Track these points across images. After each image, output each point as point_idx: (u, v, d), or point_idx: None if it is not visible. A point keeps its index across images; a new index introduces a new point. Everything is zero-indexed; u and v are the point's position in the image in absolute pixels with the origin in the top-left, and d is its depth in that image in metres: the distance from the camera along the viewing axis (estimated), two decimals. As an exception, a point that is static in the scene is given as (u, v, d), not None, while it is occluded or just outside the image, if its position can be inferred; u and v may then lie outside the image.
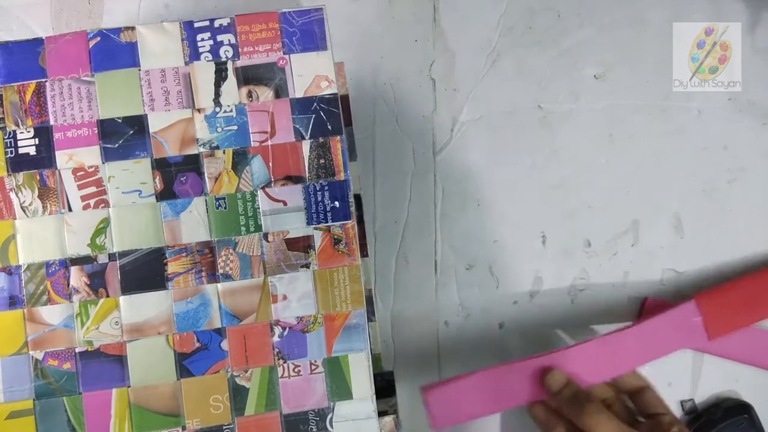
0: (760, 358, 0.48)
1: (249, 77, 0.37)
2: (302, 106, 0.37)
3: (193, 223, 0.37)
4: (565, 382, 0.41)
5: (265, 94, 0.38)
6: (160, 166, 0.37)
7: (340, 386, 0.37)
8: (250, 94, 0.37)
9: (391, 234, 0.48)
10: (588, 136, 0.49)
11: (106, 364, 0.36)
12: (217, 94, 0.37)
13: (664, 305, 0.48)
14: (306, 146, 0.37)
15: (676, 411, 0.49)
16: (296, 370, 0.37)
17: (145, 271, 0.37)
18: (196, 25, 0.38)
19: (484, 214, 0.48)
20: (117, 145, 0.37)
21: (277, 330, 0.37)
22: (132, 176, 0.37)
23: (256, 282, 0.37)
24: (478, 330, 0.48)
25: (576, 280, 0.49)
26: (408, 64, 0.48)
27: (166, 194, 0.37)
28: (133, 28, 0.37)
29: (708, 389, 0.49)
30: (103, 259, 0.37)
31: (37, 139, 0.37)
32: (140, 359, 0.36)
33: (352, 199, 0.37)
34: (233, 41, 0.38)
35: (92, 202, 0.37)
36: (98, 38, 0.37)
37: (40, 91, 0.37)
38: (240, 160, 0.37)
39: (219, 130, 0.37)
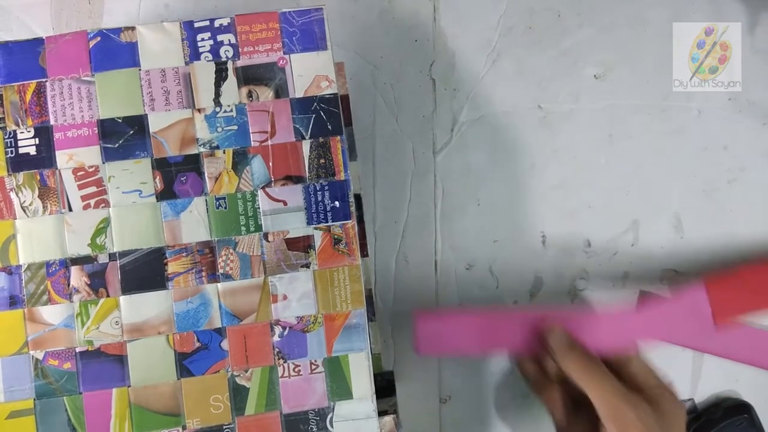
0: (760, 358, 0.48)
1: (249, 77, 0.38)
2: (302, 106, 0.37)
3: (194, 223, 0.37)
4: (567, 341, 0.40)
5: (265, 93, 0.38)
6: (161, 166, 0.37)
7: (340, 386, 0.37)
8: (250, 94, 0.37)
9: (391, 234, 0.48)
10: (588, 136, 0.49)
11: (107, 363, 0.36)
12: (218, 94, 0.37)
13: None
14: (306, 146, 0.37)
15: (676, 411, 0.49)
16: (296, 369, 0.37)
17: (146, 271, 0.37)
18: (196, 25, 0.38)
19: (484, 214, 0.48)
20: (117, 145, 0.37)
21: (278, 330, 0.37)
22: (132, 176, 0.37)
23: (257, 282, 0.37)
24: (478, 330, 0.48)
25: (576, 280, 0.49)
26: (408, 64, 0.48)
27: (166, 194, 0.37)
28: (133, 28, 0.37)
29: (708, 389, 0.49)
30: (103, 258, 0.37)
31: (37, 139, 0.37)
32: (140, 359, 0.36)
33: (352, 199, 0.37)
34: (233, 41, 0.38)
35: (92, 202, 0.37)
36: (98, 38, 0.37)
37: (40, 91, 0.37)
38: (240, 160, 0.37)
39: (219, 129, 0.37)
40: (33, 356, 0.36)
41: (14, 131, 0.37)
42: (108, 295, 0.36)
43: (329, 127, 0.37)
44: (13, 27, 0.47)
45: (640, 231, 0.49)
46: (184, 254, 0.37)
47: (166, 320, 0.36)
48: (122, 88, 0.37)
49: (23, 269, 0.36)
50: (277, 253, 0.37)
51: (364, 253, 0.46)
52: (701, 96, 0.49)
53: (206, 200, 0.37)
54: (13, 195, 0.37)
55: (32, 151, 0.37)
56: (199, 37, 0.38)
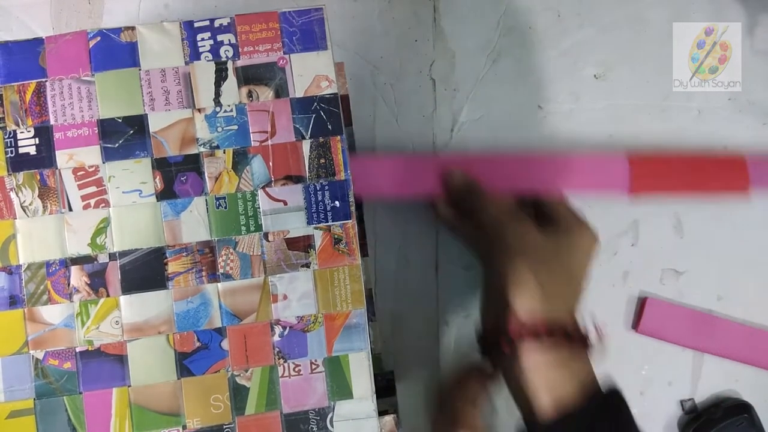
0: (760, 358, 0.48)
1: (249, 77, 0.38)
2: (302, 105, 0.37)
3: (194, 223, 0.37)
4: (463, 180, 0.43)
5: (265, 93, 0.38)
6: (161, 165, 0.37)
7: (340, 386, 0.37)
8: (250, 94, 0.37)
9: (391, 234, 0.48)
10: (588, 136, 0.49)
11: (107, 363, 0.36)
12: (218, 94, 0.37)
13: (664, 305, 0.48)
14: (306, 146, 0.37)
15: (676, 410, 0.49)
16: (297, 369, 0.37)
17: (146, 271, 0.37)
18: (196, 24, 0.38)
19: (484, 214, 0.48)
20: (117, 144, 0.37)
21: (278, 329, 0.37)
22: (132, 176, 0.37)
23: (257, 281, 0.37)
24: (478, 330, 0.48)
25: (576, 280, 0.49)
26: (408, 64, 0.48)
27: (166, 194, 0.37)
28: (133, 28, 0.37)
29: (708, 389, 0.49)
30: (103, 258, 0.37)
31: (37, 139, 0.37)
32: (140, 359, 0.36)
33: (352, 199, 0.37)
34: (233, 41, 0.38)
35: (92, 201, 0.37)
36: (98, 38, 0.37)
37: (40, 91, 0.37)
38: (240, 160, 0.37)
39: (219, 129, 0.37)
40: (33, 356, 0.36)
41: (14, 131, 0.37)
42: (108, 295, 0.36)
43: (329, 126, 0.37)
44: (13, 27, 0.47)
45: (640, 231, 0.49)
46: (184, 254, 0.37)
47: (167, 320, 0.36)
48: (122, 88, 0.37)
49: (23, 269, 0.36)
50: (277, 253, 0.37)
51: (364, 253, 0.46)
52: (701, 96, 0.49)
53: (206, 200, 0.37)
54: (13, 195, 0.37)
55: (32, 150, 0.37)
56: (199, 37, 0.38)
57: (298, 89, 0.38)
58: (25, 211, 0.37)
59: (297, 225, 0.37)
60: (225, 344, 0.37)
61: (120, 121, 0.37)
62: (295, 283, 0.37)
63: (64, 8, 0.48)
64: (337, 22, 0.48)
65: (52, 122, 0.37)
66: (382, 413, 0.38)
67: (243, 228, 0.37)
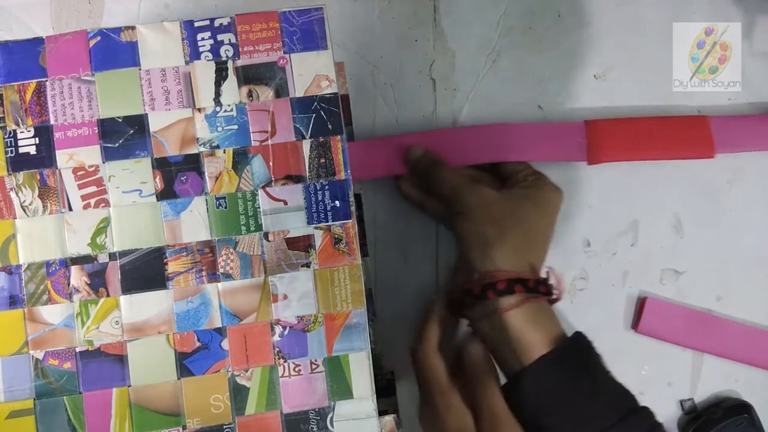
0: (759, 358, 0.48)
1: (249, 76, 0.38)
2: (302, 105, 0.37)
3: (194, 223, 0.37)
4: (423, 153, 0.44)
5: (265, 93, 0.38)
6: (161, 165, 0.37)
7: (340, 385, 0.37)
8: (250, 94, 0.37)
9: (391, 234, 0.48)
10: (588, 136, 0.49)
11: (107, 363, 0.36)
12: (218, 94, 0.37)
13: (664, 305, 0.48)
14: (306, 145, 0.37)
15: (676, 410, 0.49)
16: (297, 369, 0.37)
17: (146, 271, 0.37)
18: (196, 24, 0.38)
19: (484, 214, 0.48)
20: (117, 144, 0.37)
21: (278, 329, 0.37)
22: (132, 176, 0.37)
23: (257, 281, 0.37)
24: (478, 330, 0.48)
25: (575, 280, 0.49)
26: (408, 64, 0.48)
27: (166, 194, 0.37)
28: (133, 28, 0.37)
29: (708, 389, 0.49)
30: (103, 258, 0.37)
31: (37, 139, 0.37)
32: (140, 359, 0.36)
33: (352, 199, 0.37)
34: (233, 41, 0.38)
35: (92, 201, 0.37)
36: (98, 38, 0.37)
37: (40, 91, 0.37)
38: (240, 160, 0.37)
39: (219, 129, 0.37)
40: (33, 356, 0.36)
41: (14, 131, 0.37)
42: (108, 295, 0.36)
43: (329, 126, 0.37)
44: (13, 27, 0.47)
45: (640, 231, 0.49)
46: (184, 254, 0.37)
47: (167, 320, 0.36)
48: (122, 87, 0.37)
49: (23, 269, 0.36)
50: (277, 253, 0.37)
51: (364, 253, 0.46)
52: (701, 96, 0.49)
53: (206, 200, 0.37)
54: (13, 194, 0.37)
55: (32, 150, 0.37)
56: (199, 36, 0.38)
57: (298, 89, 0.38)
58: (25, 211, 0.37)
59: (297, 225, 0.37)
60: (225, 344, 0.37)
61: (120, 120, 0.37)
62: (295, 283, 0.37)
63: (64, 8, 0.48)
64: (337, 22, 0.48)
65: (52, 122, 0.37)
66: (382, 413, 0.38)
67: (243, 228, 0.37)
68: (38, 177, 0.37)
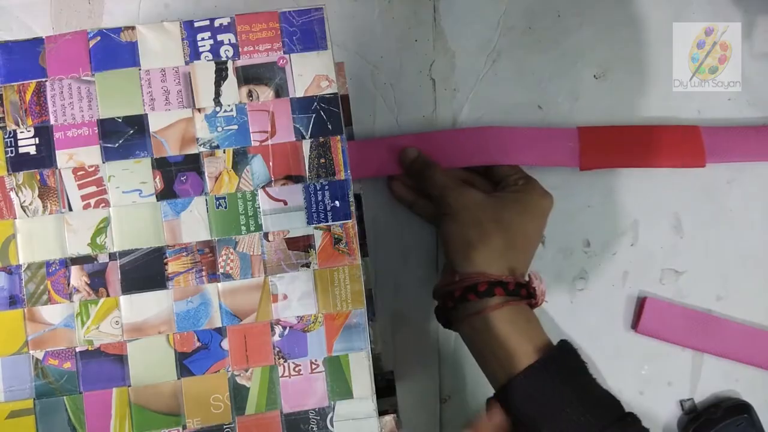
0: (760, 358, 0.48)
1: (249, 77, 0.38)
2: (302, 105, 0.37)
3: (194, 223, 0.37)
4: (416, 155, 0.45)
5: (265, 93, 0.38)
6: (161, 165, 0.37)
7: (340, 385, 0.37)
8: (250, 94, 0.37)
9: (391, 234, 0.48)
10: (588, 136, 0.49)
11: (107, 363, 0.36)
12: (218, 94, 0.37)
13: (664, 305, 0.48)
14: (306, 146, 0.37)
15: (676, 410, 0.49)
16: (297, 369, 0.37)
17: (146, 271, 0.37)
18: (196, 24, 0.38)
19: (484, 214, 0.48)
20: (117, 144, 0.37)
21: (278, 329, 0.37)
22: (132, 176, 0.37)
23: (257, 281, 0.37)
24: (478, 330, 0.48)
25: (575, 280, 0.49)
26: (408, 64, 0.48)
27: (166, 194, 0.37)
28: (133, 28, 0.37)
29: (708, 389, 0.49)
30: (103, 258, 0.37)
31: (37, 139, 0.37)
32: (141, 359, 0.36)
33: (352, 199, 0.37)
34: (233, 41, 0.38)
35: (92, 201, 0.37)
36: (98, 38, 0.37)
37: (40, 91, 0.37)
38: (240, 160, 0.37)
39: (219, 129, 0.37)
40: (33, 356, 0.36)
41: (14, 131, 0.37)
42: (108, 295, 0.36)
43: (329, 126, 0.37)
44: (13, 27, 0.47)
45: (640, 231, 0.49)
46: (184, 254, 0.37)
47: (167, 320, 0.36)
48: (122, 87, 0.37)
49: (23, 269, 0.36)
50: (277, 253, 0.37)
51: (364, 253, 0.46)
52: (701, 96, 0.49)
53: (206, 200, 0.37)
54: (13, 195, 0.37)
55: (32, 150, 0.37)
56: (199, 36, 0.38)
57: (298, 89, 0.38)
58: (25, 211, 0.37)
59: (297, 225, 0.37)
60: (225, 344, 0.37)
61: (120, 120, 0.37)
62: (295, 283, 0.37)
63: (64, 8, 0.48)
64: (337, 22, 0.48)
65: (52, 122, 0.37)
66: (382, 413, 0.38)
67: (243, 228, 0.37)
68: (38, 177, 0.37)
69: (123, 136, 0.37)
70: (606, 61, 0.49)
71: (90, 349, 0.36)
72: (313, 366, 0.37)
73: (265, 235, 0.37)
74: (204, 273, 0.37)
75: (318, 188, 0.37)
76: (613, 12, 0.49)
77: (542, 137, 0.46)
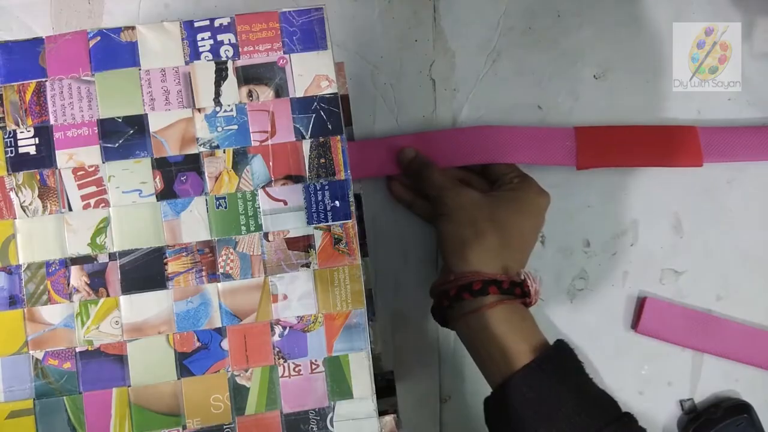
0: (759, 358, 0.48)
1: (249, 77, 0.38)
2: (302, 105, 0.37)
3: (194, 223, 0.37)
4: (414, 155, 0.45)
5: (265, 93, 0.38)
6: (161, 165, 0.37)
7: (340, 385, 0.37)
8: (250, 94, 0.37)
9: (391, 234, 0.48)
10: (588, 136, 0.49)
11: (107, 363, 0.36)
12: (218, 94, 0.37)
13: (664, 305, 0.48)
14: (306, 146, 0.37)
15: (676, 410, 0.49)
16: (297, 369, 0.37)
17: (146, 271, 0.37)
18: (196, 24, 0.38)
19: (484, 214, 0.48)
20: (117, 144, 0.37)
21: (278, 329, 0.37)
22: (132, 176, 0.37)
23: (257, 281, 0.37)
24: (478, 330, 0.48)
25: (575, 280, 0.49)
26: (408, 64, 0.48)
27: (166, 194, 0.37)
28: (133, 28, 0.37)
29: (708, 389, 0.49)
30: (103, 258, 0.37)
31: (37, 139, 0.37)
32: (140, 359, 0.36)
33: (352, 199, 0.37)
34: (233, 41, 0.38)
35: (92, 201, 0.37)
36: (98, 38, 0.37)
37: (40, 91, 0.37)
38: (240, 160, 0.37)
39: (219, 129, 0.37)
40: (33, 356, 0.36)
41: (14, 131, 0.37)
42: (108, 295, 0.36)
43: (329, 126, 0.37)
44: (13, 27, 0.47)
45: (640, 231, 0.49)
46: (184, 254, 0.37)
47: (166, 320, 0.36)
48: (122, 87, 0.37)
49: (23, 269, 0.36)
50: (277, 253, 0.37)
51: (364, 253, 0.46)
52: (701, 96, 0.49)
53: (206, 200, 0.37)
54: (12, 195, 0.37)
55: (32, 150, 0.37)
56: (199, 36, 0.38)
57: (298, 89, 0.38)
58: (25, 211, 0.37)
59: (297, 225, 0.37)
60: (225, 344, 0.37)
61: (120, 120, 0.37)
62: (295, 283, 0.37)
63: (64, 8, 0.48)
64: (337, 22, 0.48)
65: (52, 122, 0.37)
66: (382, 413, 0.38)
67: (243, 228, 0.37)
68: (38, 177, 0.37)
69: (123, 136, 0.37)
70: (606, 61, 0.49)
71: (90, 349, 0.36)
72: (313, 366, 0.37)
73: (265, 235, 0.37)
74: (204, 273, 0.37)
75: (318, 188, 0.37)
76: (613, 12, 0.49)
77: (539, 137, 0.47)
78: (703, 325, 0.48)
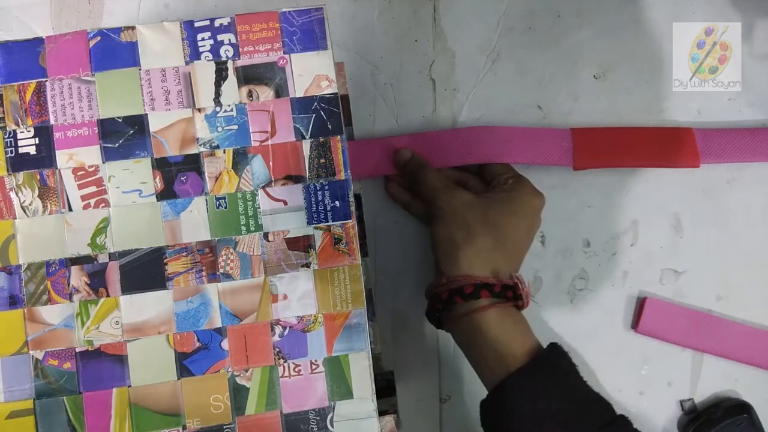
0: (759, 358, 0.48)
1: (249, 77, 0.38)
2: (302, 105, 0.37)
3: (194, 223, 0.37)
4: (410, 156, 0.45)
5: (265, 93, 0.38)
6: (161, 165, 0.37)
7: (340, 386, 0.37)
8: (250, 94, 0.37)
9: (391, 234, 0.48)
10: (588, 136, 0.49)
11: (107, 363, 0.36)
12: (218, 94, 0.37)
13: (664, 305, 0.48)
14: (306, 146, 0.37)
15: (676, 410, 0.49)
16: (297, 369, 0.37)
17: (146, 271, 0.37)
18: (196, 24, 0.38)
19: (484, 214, 0.48)
20: (117, 144, 0.37)
21: (278, 329, 0.37)
22: (132, 176, 0.37)
23: (257, 281, 0.37)
24: (478, 330, 0.48)
25: (575, 280, 0.49)
26: (408, 64, 0.48)
27: (166, 194, 0.37)
28: (133, 28, 0.37)
29: (708, 389, 0.49)
30: (103, 258, 0.37)
31: (37, 139, 0.37)
32: (140, 359, 0.36)
33: (352, 199, 0.37)
34: (233, 41, 0.38)
35: (92, 201, 0.37)
36: (98, 38, 0.37)
37: (40, 91, 0.37)
38: (240, 160, 0.37)
39: (219, 129, 0.37)
40: (33, 356, 0.36)
41: (14, 131, 0.37)
42: (108, 295, 0.36)
43: (329, 126, 0.37)
44: (13, 27, 0.47)
45: (640, 231, 0.49)
46: (184, 254, 0.37)
47: (166, 320, 0.36)
48: (122, 87, 0.37)
49: (23, 269, 0.36)
50: (277, 253, 0.37)
51: (364, 253, 0.46)
52: (701, 96, 0.49)
53: (206, 200, 0.37)
54: (13, 195, 0.37)
55: (32, 150, 0.37)
56: (199, 36, 0.38)
57: (298, 89, 0.38)
58: (25, 211, 0.37)
59: (297, 225, 0.37)
60: (225, 344, 0.37)
61: (120, 120, 0.37)
62: (295, 283, 0.37)
63: (64, 8, 0.48)
64: (337, 22, 0.48)
65: (52, 122, 0.37)
66: (382, 413, 0.38)
67: (243, 228, 0.37)
68: (38, 177, 0.37)
69: (123, 136, 0.37)
70: (606, 61, 0.49)
71: (90, 349, 0.36)
72: (313, 366, 0.37)
73: (265, 235, 0.37)
74: (204, 273, 0.37)
75: (318, 188, 0.37)
76: (613, 12, 0.49)
77: (536, 137, 0.47)
78: (703, 325, 0.48)
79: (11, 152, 0.37)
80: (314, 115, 0.37)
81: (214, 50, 0.38)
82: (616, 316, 0.49)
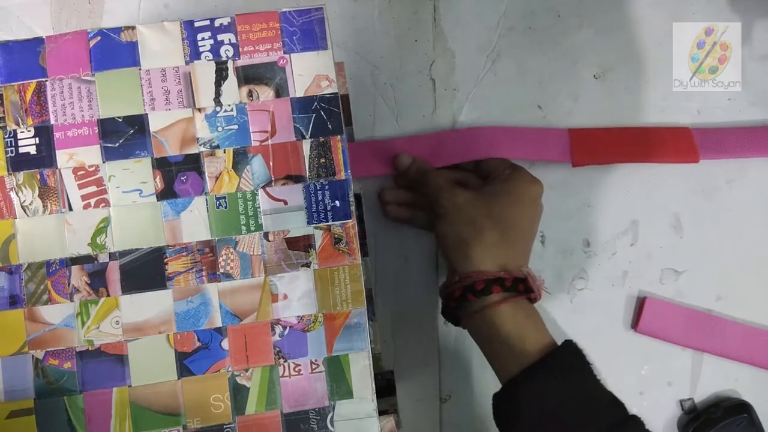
0: (759, 358, 0.48)
1: (249, 76, 0.38)
2: (303, 105, 0.37)
3: (194, 223, 0.37)
4: (411, 161, 0.46)
5: (265, 93, 0.38)
6: (161, 165, 0.37)
7: (340, 385, 0.37)
8: (250, 94, 0.37)
9: (391, 234, 0.48)
10: (588, 136, 0.49)
11: (107, 363, 0.36)
12: (218, 94, 0.37)
13: (663, 305, 0.48)
14: (306, 145, 0.37)
15: (676, 410, 0.49)
16: (297, 369, 0.37)
17: (146, 271, 0.37)
18: (196, 24, 0.38)
19: (484, 214, 0.48)
20: (117, 144, 0.37)
21: (278, 329, 0.37)
22: (132, 175, 0.37)
23: (257, 281, 0.37)
24: (478, 330, 0.48)
25: (575, 280, 0.49)
26: (408, 64, 0.48)
27: (166, 193, 0.37)
28: (133, 28, 0.37)
29: (708, 389, 0.49)
30: (103, 258, 0.37)
31: (37, 139, 0.37)
32: (141, 358, 0.36)
33: (352, 199, 0.37)
34: (234, 41, 0.38)
35: (93, 201, 0.37)
36: (98, 38, 0.37)
37: (40, 91, 0.37)
38: (240, 160, 0.37)
39: (219, 129, 0.37)
40: (33, 356, 0.36)
41: (14, 131, 0.37)
42: (108, 295, 0.36)
43: (329, 126, 0.37)
44: (13, 27, 0.47)
45: (640, 231, 0.49)
46: (184, 254, 0.37)
47: (167, 320, 0.36)
48: (122, 87, 0.37)
49: (23, 269, 0.36)
50: (277, 253, 0.37)
51: (364, 253, 0.46)
52: (701, 96, 0.49)
53: (206, 200, 0.37)
54: (13, 194, 0.37)
55: (32, 150, 0.37)
56: (199, 36, 0.38)
57: (299, 89, 0.38)
58: (25, 210, 0.37)
59: (297, 225, 0.37)
60: (225, 344, 0.37)
61: (120, 120, 0.37)
62: (295, 283, 0.37)
63: (64, 8, 0.48)
64: (337, 22, 0.48)
65: (52, 122, 0.37)
66: (382, 413, 0.38)
67: (243, 228, 0.37)
68: (38, 177, 0.37)
69: (123, 135, 0.37)
70: (606, 62, 0.49)
71: (90, 349, 0.36)
72: (313, 366, 0.37)
73: (265, 235, 0.37)
74: (204, 273, 0.37)
75: (318, 188, 0.37)
76: (613, 12, 0.49)
77: (534, 137, 0.47)
78: (703, 325, 0.48)
79: (11, 152, 0.37)
80: (314, 114, 0.37)
81: (214, 50, 0.38)
82: (616, 316, 0.49)
